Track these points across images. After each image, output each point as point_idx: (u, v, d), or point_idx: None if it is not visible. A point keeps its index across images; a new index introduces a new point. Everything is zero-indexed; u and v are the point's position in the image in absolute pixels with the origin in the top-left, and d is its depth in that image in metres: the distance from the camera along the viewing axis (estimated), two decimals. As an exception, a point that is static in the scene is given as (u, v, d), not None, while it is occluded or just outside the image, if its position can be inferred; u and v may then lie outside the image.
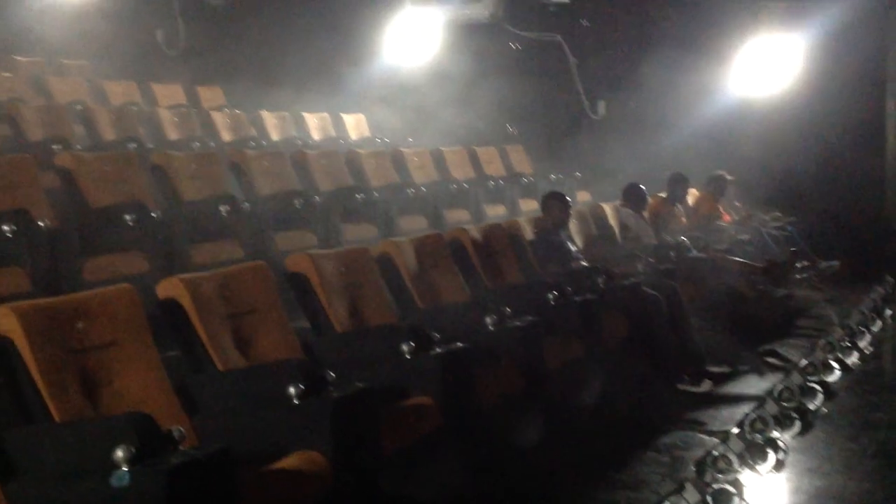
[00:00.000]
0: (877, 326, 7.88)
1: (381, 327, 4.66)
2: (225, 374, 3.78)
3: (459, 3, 10.53)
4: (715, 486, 4.09)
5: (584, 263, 6.71)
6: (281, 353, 4.06)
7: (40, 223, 5.28)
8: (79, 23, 12.10)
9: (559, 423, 4.82)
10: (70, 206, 6.10)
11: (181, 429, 2.89)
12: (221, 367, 3.81)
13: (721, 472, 4.35)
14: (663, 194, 8.99)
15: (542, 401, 4.83)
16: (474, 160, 10.50)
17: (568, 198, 7.17)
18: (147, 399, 3.37)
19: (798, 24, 10.64)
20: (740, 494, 4.10)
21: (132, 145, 8.03)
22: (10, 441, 2.96)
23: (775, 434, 4.91)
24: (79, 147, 7.81)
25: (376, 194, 7.96)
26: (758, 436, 4.83)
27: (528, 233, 6.91)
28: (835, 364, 6.45)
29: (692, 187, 9.55)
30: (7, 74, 10.60)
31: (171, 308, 3.84)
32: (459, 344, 4.30)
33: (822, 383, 5.98)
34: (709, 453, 4.53)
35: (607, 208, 8.32)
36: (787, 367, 6.54)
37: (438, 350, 4.21)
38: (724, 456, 4.44)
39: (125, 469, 2.68)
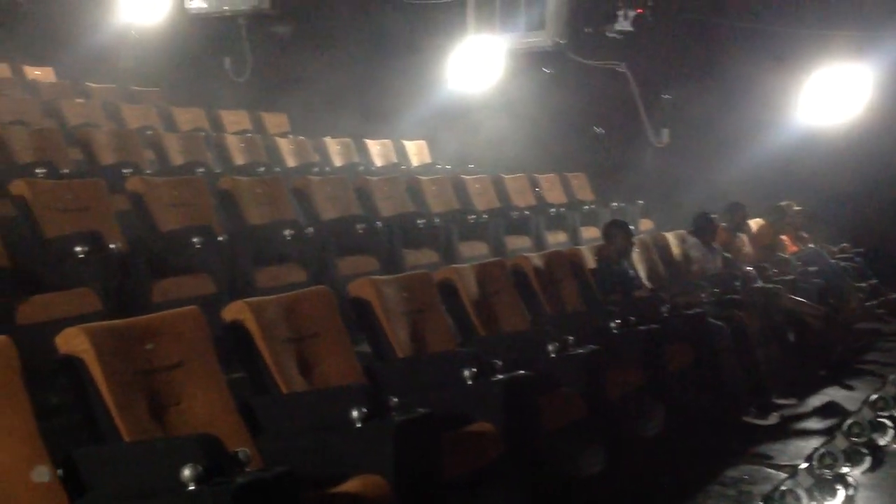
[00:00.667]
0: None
1: (443, 353, 4.66)
2: (288, 396, 3.81)
3: (522, 32, 10.57)
4: (783, 521, 3.99)
5: (648, 292, 6.64)
6: (343, 377, 4.08)
7: (111, 245, 5.38)
8: (150, 51, 12.43)
9: (621, 453, 4.76)
10: (140, 229, 6.24)
11: (247, 450, 2.91)
12: (284, 390, 3.84)
13: (789, 507, 4.25)
14: (724, 224, 8.89)
15: (604, 430, 4.77)
16: (535, 187, 10.48)
17: (631, 226, 7.12)
18: (213, 420, 3.41)
19: (867, 54, 10.48)
20: (809, 531, 4.00)
21: (200, 170, 8.19)
22: (81, 460, 3.00)
23: (845, 470, 4.78)
24: (148, 172, 7.98)
25: (437, 220, 7.99)
26: (827, 471, 4.71)
27: (590, 261, 6.87)
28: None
29: (757, 217, 9.41)
30: (81, 101, 10.93)
31: (237, 330, 3.89)
32: (521, 371, 4.28)
33: (893, 418, 5.82)
34: (776, 488, 4.42)
35: (670, 237, 8.24)
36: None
37: (500, 377, 4.20)
38: (792, 491, 4.34)
39: (192, 488, 2.71)
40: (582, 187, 11.20)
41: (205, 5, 10.11)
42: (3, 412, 2.86)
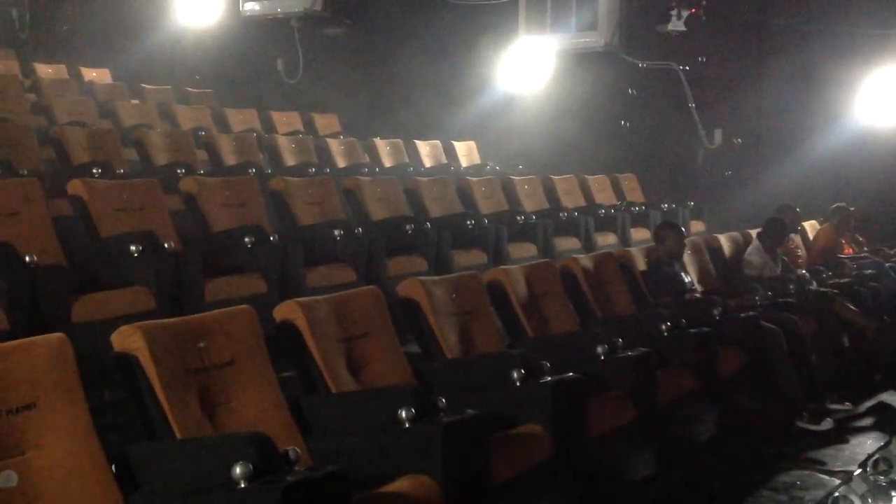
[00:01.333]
0: None
1: (492, 354, 4.65)
2: (337, 396, 3.83)
3: (574, 32, 10.52)
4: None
5: (699, 295, 6.57)
6: (392, 377, 4.10)
7: (165, 244, 5.47)
8: (203, 53, 12.61)
9: (672, 457, 4.72)
10: (193, 228, 6.32)
11: (297, 449, 2.93)
12: (334, 389, 3.86)
13: (843, 514, 4.19)
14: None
15: (654, 433, 4.73)
16: (585, 188, 10.43)
17: (682, 228, 7.04)
18: (263, 418, 3.44)
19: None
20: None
21: (251, 171, 8.28)
22: (134, 456, 3.05)
23: (900, 477, 4.70)
24: (201, 172, 8.09)
25: (486, 221, 7.99)
26: (881, 478, 4.63)
27: (640, 263, 6.82)
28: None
29: (813, 219, 9.26)
30: (136, 102, 11.12)
31: (287, 330, 3.92)
32: (570, 373, 4.26)
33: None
34: (830, 494, 4.36)
35: (722, 238, 8.13)
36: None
37: (549, 379, 4.18)
38: (845, 497, 4.27)
39: (242, 485, 2.73)
40: (632, 189, 11.12)
41: (258, 8, 10.22)
42: (59, 409, 2.91)
